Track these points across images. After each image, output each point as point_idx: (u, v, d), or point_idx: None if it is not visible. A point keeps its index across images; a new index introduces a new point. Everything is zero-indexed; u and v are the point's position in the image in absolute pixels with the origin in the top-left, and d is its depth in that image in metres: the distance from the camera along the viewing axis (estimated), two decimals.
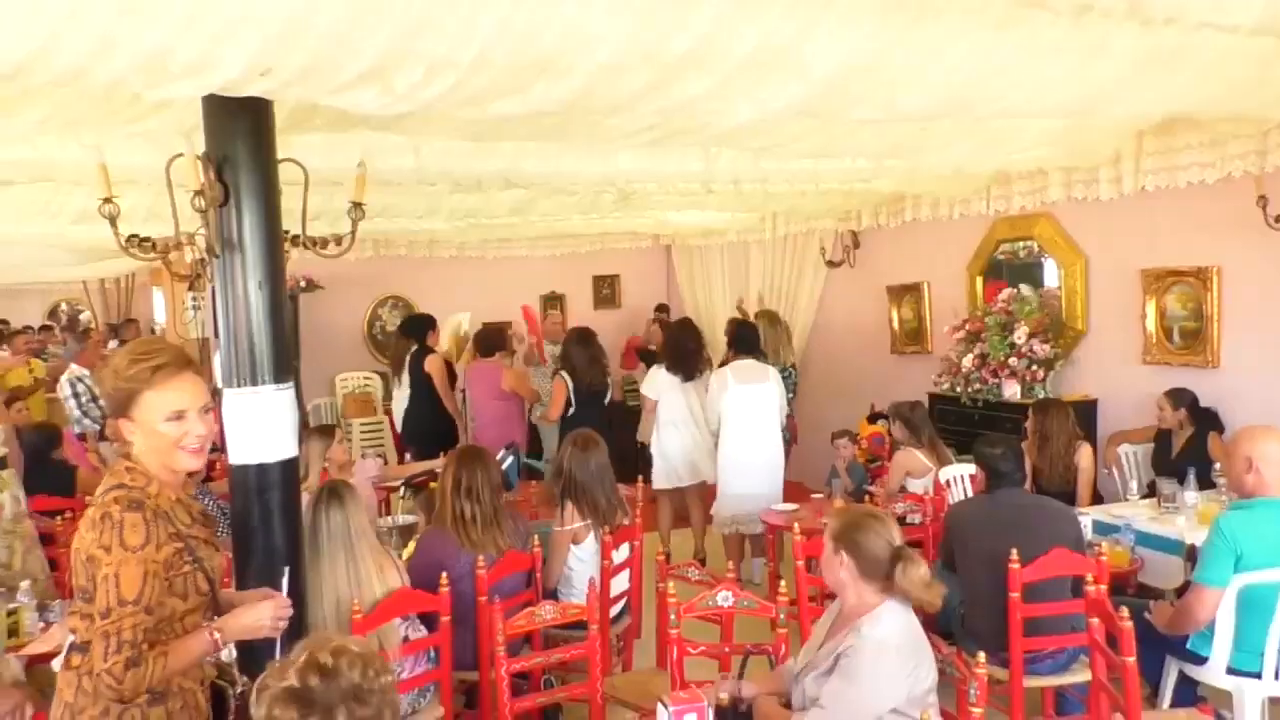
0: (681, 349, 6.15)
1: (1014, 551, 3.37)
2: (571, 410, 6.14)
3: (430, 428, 6.83)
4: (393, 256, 8.99)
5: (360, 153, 4.07)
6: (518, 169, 4.51)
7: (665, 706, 2.41)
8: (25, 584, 3.67)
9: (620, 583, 4.11)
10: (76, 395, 7.36)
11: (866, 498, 5.12)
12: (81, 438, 6.36)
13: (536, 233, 8.45)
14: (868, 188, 5.89)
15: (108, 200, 2.94)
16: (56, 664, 3.10)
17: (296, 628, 2.84)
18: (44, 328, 10.63)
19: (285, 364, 3.03)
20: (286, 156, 3.08)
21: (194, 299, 9.45)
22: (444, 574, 3.37)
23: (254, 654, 2.39)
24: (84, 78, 2.40)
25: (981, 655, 2.52)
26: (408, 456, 6.47)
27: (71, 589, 4.05)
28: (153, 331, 11.97)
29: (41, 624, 3.59)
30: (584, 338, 6.39)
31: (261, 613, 2.21)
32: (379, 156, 4.00)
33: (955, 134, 3.94)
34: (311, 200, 3.33)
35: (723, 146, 4.44)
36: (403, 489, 5.31)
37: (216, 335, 5.10)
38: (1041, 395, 5.75)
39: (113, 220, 2.94)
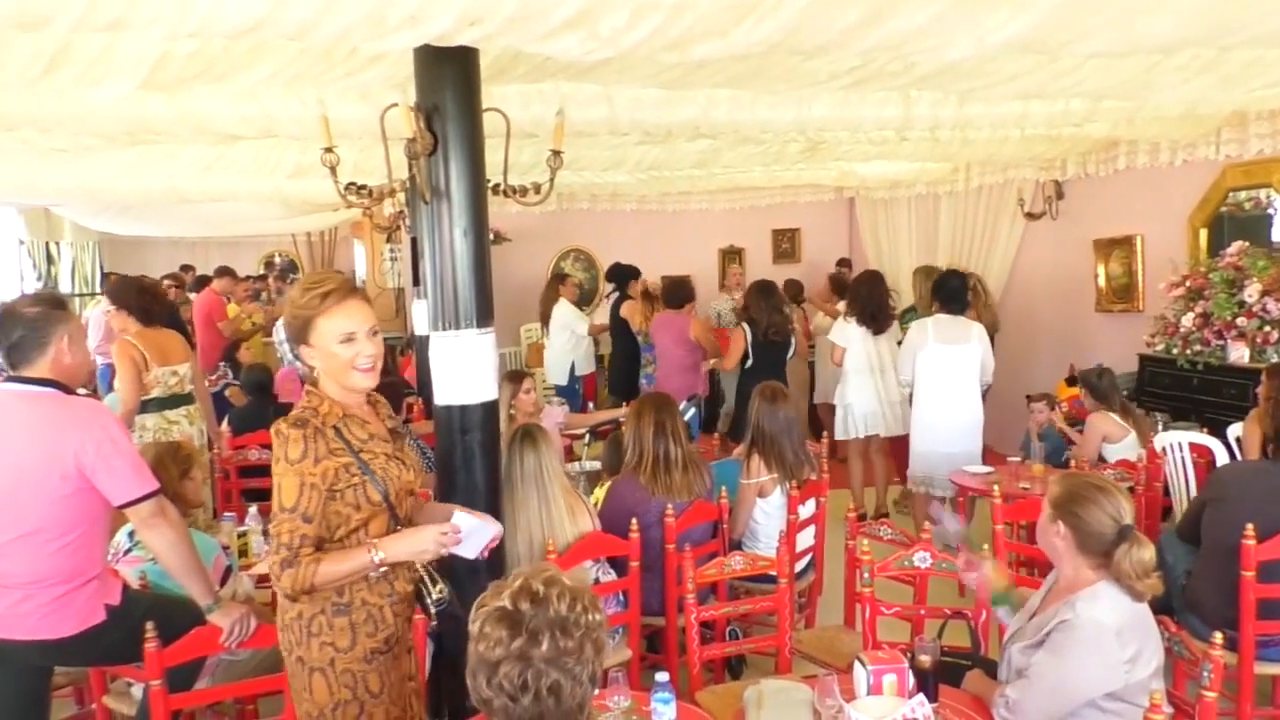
0: (872, 301, 5.99)
1: (1249, 526, 3.09)
2: (750, 362, 6.11)
3: (626, 371, 7.03)
4: (576, 210, 9.13)
5: (555, 104, 4.13)
6: (708, 117, 4.44)
7: (864, 665, 2.35)
8: (254, 509, 3.99)
9: (805, 538, 4.06)
10: (284, 340, 7.92)
11: (1069, 464, 4.82)
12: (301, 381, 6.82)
13: (717, 185, 8.37)
14: (1077, 133, 5.47)
15: (329, 150, 3.07)
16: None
17: (494, 564, 2.98)
18: (259, 277, 11.47)
19: (487, 309, 3.11)
20: (490, 107, 3.14)
21: (391, 250, 9.97)
22: (634, 519, 3.41)
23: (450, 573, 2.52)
24: (311, 32, 2.51)
25: (1218, 636, 2.31)
26: (590, 405, 6.61)
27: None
28: None
29: (264, 547, 3.89)
30: (766, 289, 6.33)
31: (425, 538, 2.27)
32: (572, 107, 4.03)
33: (1192, 69, 3.57)
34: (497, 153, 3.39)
35: (924, 90, 4.21)
36: (587, 436, 5.42)
37: (416, 284, 5.37)
38: (1275, 359, 5.22)
39: (333, 169, 3.08)
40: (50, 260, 11.47)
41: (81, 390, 2.94)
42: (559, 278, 8.61)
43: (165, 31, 2.46)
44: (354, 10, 2.39)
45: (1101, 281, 7.08)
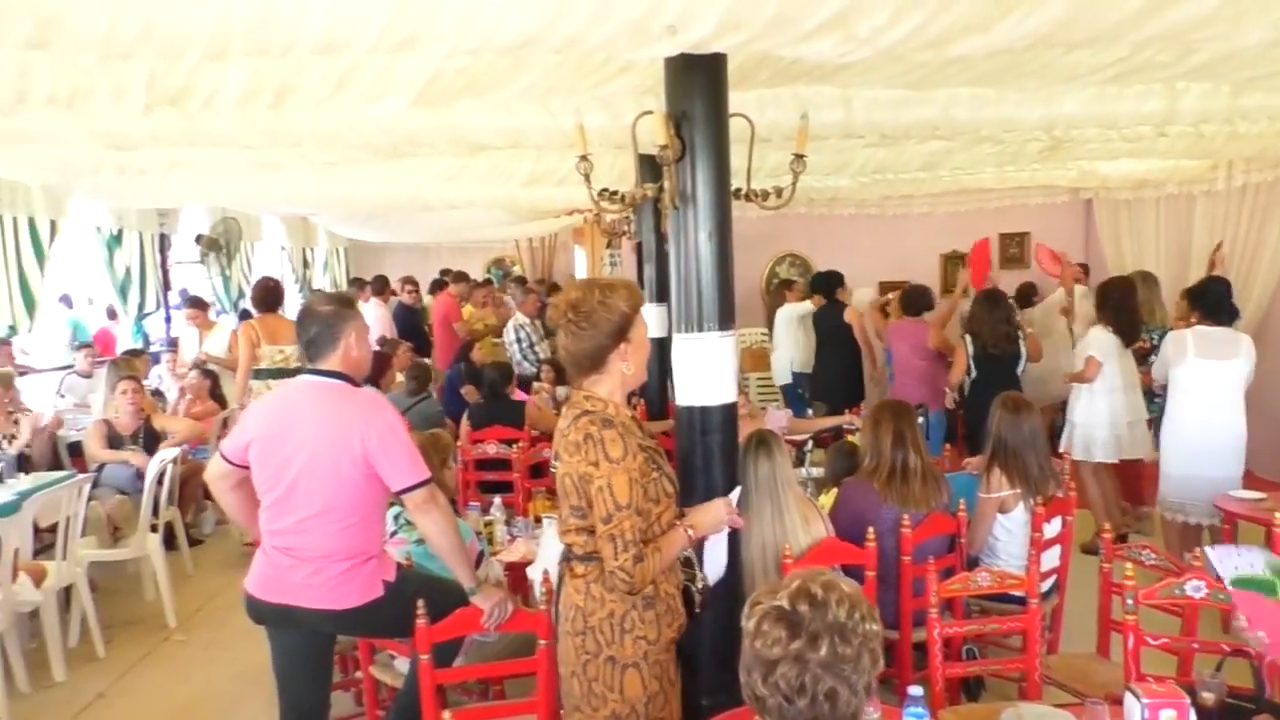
0: (1125, 309, 5.56)
1: None
2: (972, 375, 5.84)
3: (841, 380, 6.93)
4: (792, 214, 9.06)
5: (791, 108, 4.12)
6: (948, 117, 4.29)
7: (1138, 698, 2.19)
8: (498, 499, 4.21)
9: (1049, 558, 3.83)
10: (519, 340, 8.31)
11: None
12: (527, 381, 7.15)
13: (942, 188, 8.10)
14: None
15: (584, 158, 3.19)
16: (531, 571, 3.53)
17: (730, 569, 3.00)
18: (485, 281, 12.10)
19: (728, 312, 3.14)
20: (735, 112, 3.16)
21: (611, 255, 10.27)
22: (869, 529, 3.34)
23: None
24: (578, 44, 2.63)
25: None
26: (809, 411, 6.54)
27: (525, 509, 4.61)
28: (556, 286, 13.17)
29: (508, 536, 4.10)
30: (994, 299, 6.04)
31: (719, 509, 2.49)
32: (808, 111, 4.01)
33: None
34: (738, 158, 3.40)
35: (1195, 81, 3.89)
36: (810, 443, 5.36)
37: (641, 287, 5.58)
38: None
39: (587, 176, 3.19)
40: (306, 264, 12.59)
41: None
42: (785, 284, 8.62)
43: (448, 49, 2.65)
44: (618, 22, 2.49)
45: None
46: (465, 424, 5.82)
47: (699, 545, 2.52)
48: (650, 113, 2.95)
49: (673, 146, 2.94)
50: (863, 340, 7.26)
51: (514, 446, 5.23)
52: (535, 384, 7.61)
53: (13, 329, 7.20)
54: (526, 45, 2.62)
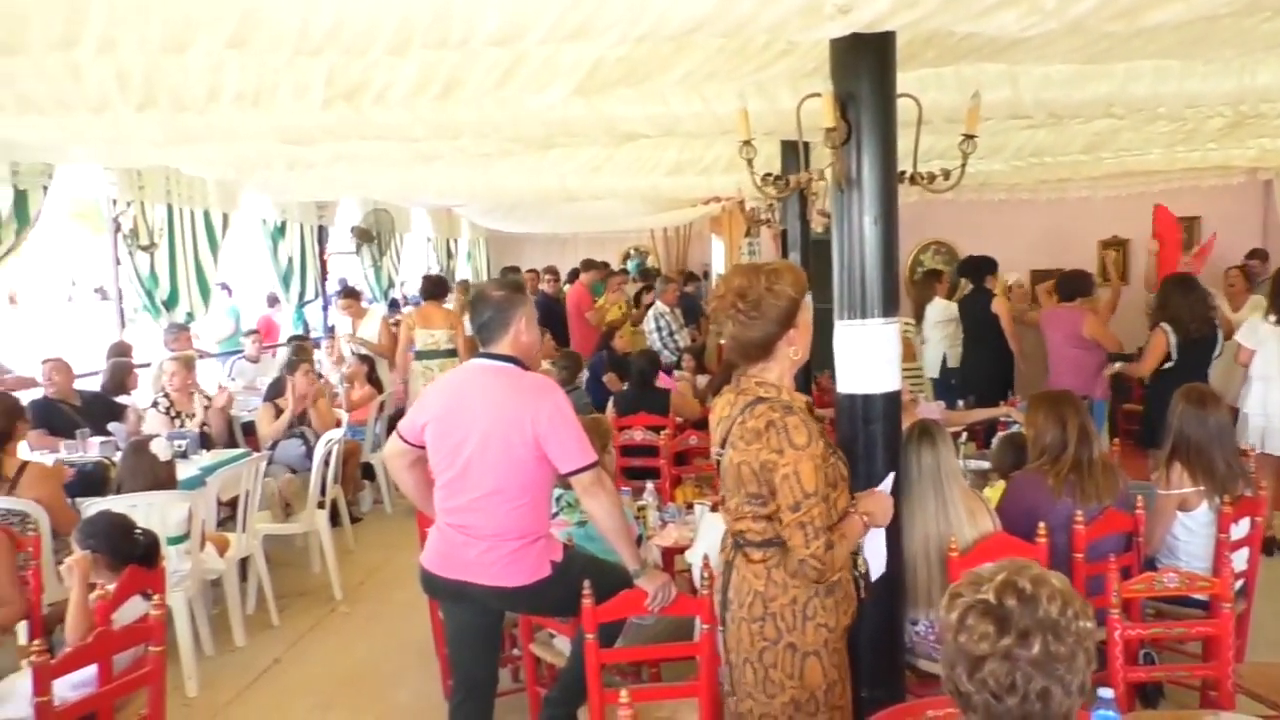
0: None
1: None
2: (1171, 362, 5.53)
3: (989, 372, 6.68)
4: (938, 201, 8.71)
5: (953, 88, 3.99)
6: (1125, 93, 4.06)
7: None
8: (650, 485, 4.25)
9: (1237, 561, 3.59)
10: (659, 329, 8.36)
11: None
12: (667, 369, 7.18)
13: (1104, 170, 7.67)
14: None
15: (747, 143, 3.17)
16: (688, 555, 3.54)
17: (891, 561, 2.94)
18: (621, 270, 12.22)
19: (893, 298, 3.06)
20: (903, 93, 3.08)
21: (750, 244, 10.20)
22: (1040, 524, 3.21)
23: None
24: (748, 26, 2.60)
25: None
26: (960, 403, 6.32)
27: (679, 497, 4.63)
28: (705, 276, 13.16)
29: (660, 521, 4.13)
30: (1185, 283, 5.70)
31: (888, 502, 2.51)
32: (971, 91, 3.87)
33: None
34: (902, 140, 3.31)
35: None
36: (963, 435, 5.19)
37: None
38: None
39: (749, 161, 3.18)
40: (450, 255, 13.01)
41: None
42: (933, 274, 8.36)
43: (618, 36, 2.66)
44: (790, 3, 2.45)
45: None
46: (611, 411, 5.89)
47: None
48: (817, 95, 2.90)
49: (839, 129, 2.89)
50: (1010, 331, 6.93)
51: (660, 433, 5.26)
52: (677, 372, 7.65)
53: (190, 315, 7.72)
54: (696, 30, 2.62)
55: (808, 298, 2.38)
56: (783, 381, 2.36)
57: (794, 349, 2.35)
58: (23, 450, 4.37)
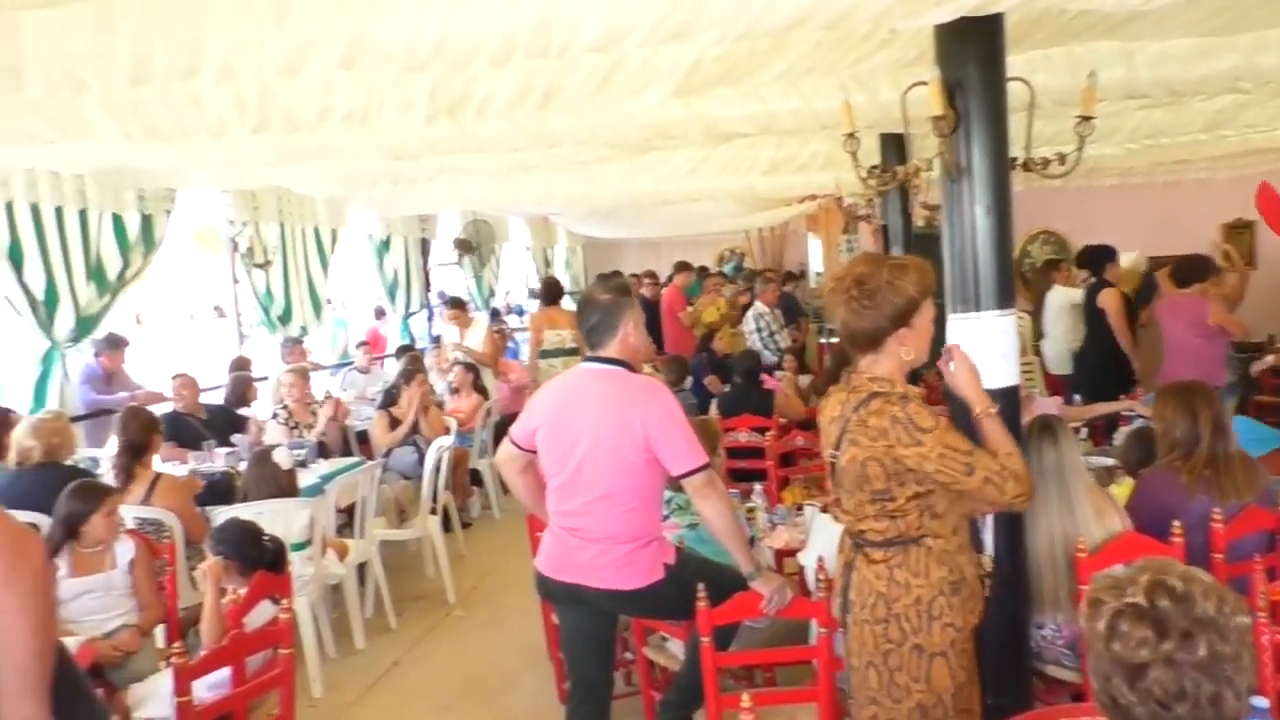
0: None
1: None
2: None
3: (1102, 366, 6.40)
4: (1045, 189, 8.44)
5: (1063, 69, 3.84)
6: (1252, 65, 3.83)
7: None
8: (758, 487, 4.21)
9: None
10: (759, 329, 8.30)
11: None
12: (768, 370, 7.12)
13: (1226, 150, 7.27)
14: None
15: (851, 135, 3.11)
16: (801, 557, 3.50)
17: (1016, 562, 2.84)
18: (718, 273, 12.18)
19: (1007, 290, 2.96)
20: (1014, 76, 2.98)
21: (849, 241, 10.04)
22: (1174, 522, 3.05)
23: None
24: (851, 17, 2.56)
25: None
26: (1076, 398, 6.08)
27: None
28: (803, 275, 13.00)
29: (769, 523, 4.09)
30: None
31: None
32: (1083, 71, 3.72)
33: None
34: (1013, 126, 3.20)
35: None
36: (1084, 431, 4.99)
37: None
38: None
39: (854, 154, 3.12)
40: (547, 263, 13.18)
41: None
42: (1052, 263, 8.09)
43: (718, 35, 2.65)
44: None
45: None
46: (714, 412, 5.87)
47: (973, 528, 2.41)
48: (923, 83, 2.83)
49: (948, 117, 2.81)
50: (1118, 328, 6.57)
51: (765, 434, 5.21)
52: (778, 373, 7.58)
53: (304, 329, 8.01)
54: (798, 24, 2.58)
55: (930, 301, 2.30)
56: (894, 376, 2.31)
57: (905, 349, 2.29)
58: (155, 462, 4.59)
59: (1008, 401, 2.95)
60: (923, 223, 6.46)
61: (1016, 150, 3.19)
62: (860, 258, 2.44)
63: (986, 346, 2.93)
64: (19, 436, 4.32)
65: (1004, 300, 2.93)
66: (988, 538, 2.80)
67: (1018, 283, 9.43)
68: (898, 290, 2.23)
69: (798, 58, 3.35)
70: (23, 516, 3.70)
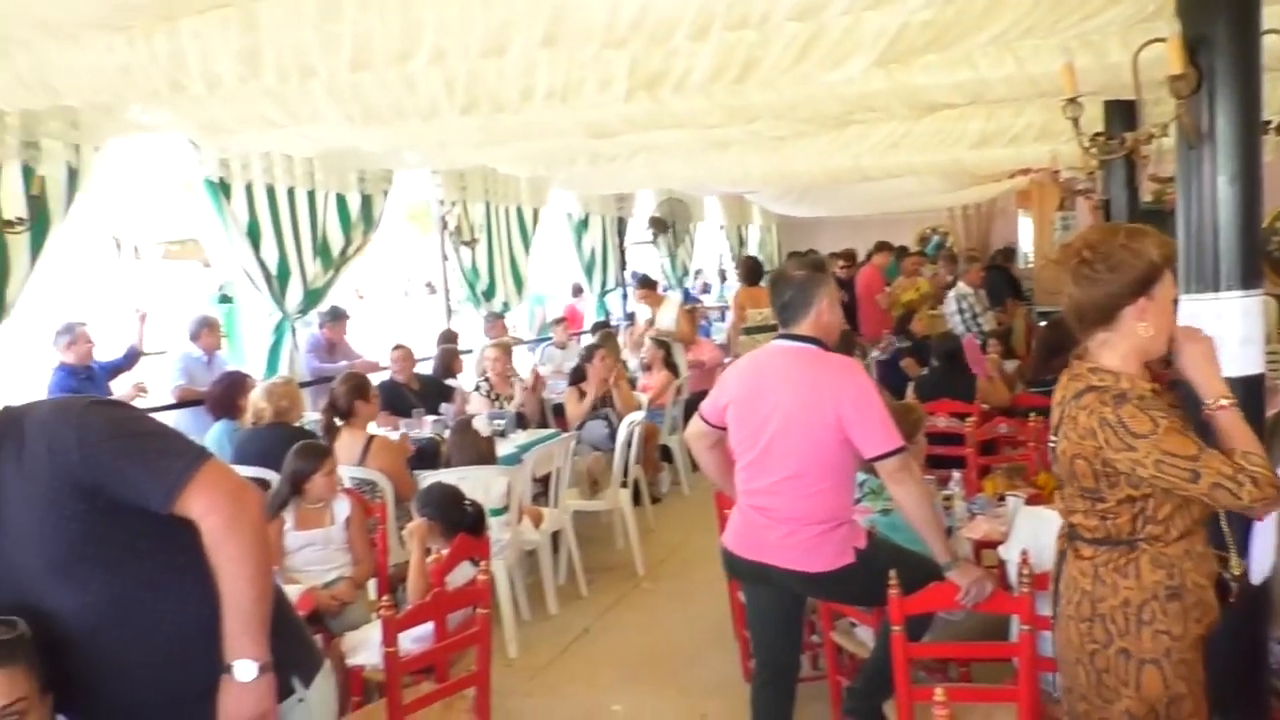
0: None
1: None
2: None
3: None
4: None
5: None
6: None
7: None
8: (957, 475, 4.02)
9: None
10: (960, 311, 7.93)
11: None
12: (982, 348, 6.77)
13: None
14: None
15: (1072, 100, 2.89)
16: (1003, 551, 3.31)
17: None
18: (917, 252, 11.73)
19: (1254, 268, 2.68)
20: (1270, 28, 2.67)
21: (1064, 219, 9.41)
22: None
23: None
24: None
25: None
26: None
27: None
28: (1011, 253, 12.27)
29: (968, 513, 3.89)
30: None
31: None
32: None
33: None
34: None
35: None
36: None
37: None
38: None
39: (1075, 121, 2.90)
40: (741, 242, 13.11)
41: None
42: None
43: None
44: None
45: None
46: (910, 395, 5.65)
47: (1244, 528, 2.17)
48: (1160, 40, 2.58)
49: (1188, 76, 2.55)
50: None
51: (965, 420, 4.97)
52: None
53: (506, 305, 8.34)
54: None
55: (1171, 274, 2.06)
56: (1126, 367, 2.05)
57: (1144, 325, 2.01)
58: (370, 427, 4.91)
59: (1249, 392, 2.67)
60: (1151, 197, 5.95)
61: (1270, 113, 2.87)
62: (1090, 228, 2.23)
63: (1227, 331, 2.66)
64: (254, 399, 4.72)
65: (1249, 280, 2.67)
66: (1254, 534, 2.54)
67: (1264, 263, 8.60)
68: (1137, 253, 1.99)
69: (1014, 19, 3.13)
70: (255, 472, 4.07)
